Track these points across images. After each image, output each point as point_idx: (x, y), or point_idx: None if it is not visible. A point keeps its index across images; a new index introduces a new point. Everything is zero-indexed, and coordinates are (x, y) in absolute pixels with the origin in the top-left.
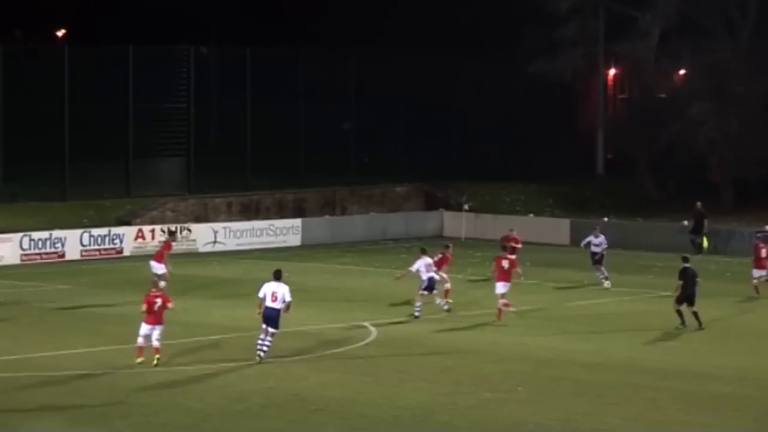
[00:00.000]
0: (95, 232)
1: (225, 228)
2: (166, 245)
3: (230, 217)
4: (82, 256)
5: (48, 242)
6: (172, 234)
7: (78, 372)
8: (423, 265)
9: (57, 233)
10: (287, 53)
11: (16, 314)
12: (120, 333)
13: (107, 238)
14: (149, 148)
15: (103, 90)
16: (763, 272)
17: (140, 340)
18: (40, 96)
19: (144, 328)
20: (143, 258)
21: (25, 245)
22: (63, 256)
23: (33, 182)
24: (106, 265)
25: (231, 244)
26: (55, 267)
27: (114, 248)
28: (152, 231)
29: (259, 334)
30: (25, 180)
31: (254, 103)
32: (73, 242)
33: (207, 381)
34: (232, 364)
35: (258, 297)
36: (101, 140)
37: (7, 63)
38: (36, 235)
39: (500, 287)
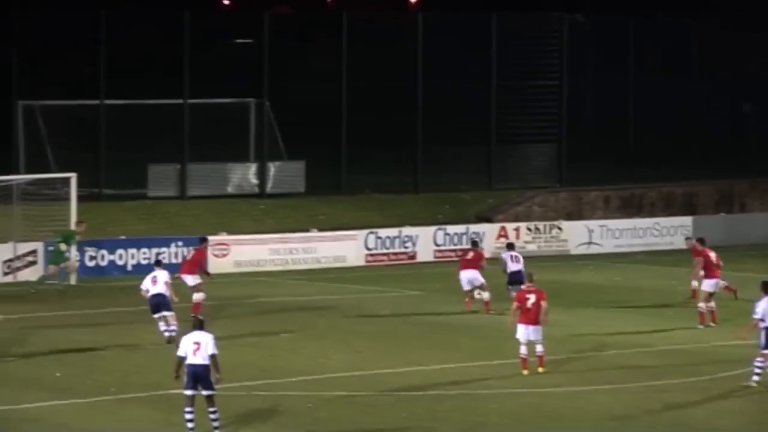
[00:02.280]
0: (451, 229)
1: (601, 226)
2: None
3: (607, 213)
4: (435, 257)
5: (397, 241)
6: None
7: (431, 392)
8: None
9: (407, 231)
10: (673, 24)
11: (359, 324)
12: (477, 347)
13: (464, 237)
14: (514, 132)
15: (461, 65)
16: None
17: (522, 350)
18: (388, 70)
19: (521, 330)
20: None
21: (371, 244)
22: (413, 257)
23: (380, 171)
24: None
25: (608, 246)
26: (405, 269)
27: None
28: (517, 229)
29: None
30: (371, 169)
31: (637, 81)
32: (425, 241)
33: (578, 403)
34: (607, 386)
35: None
36: (458, 123)
37: (353, 31)
38: (383, 232)
39: None
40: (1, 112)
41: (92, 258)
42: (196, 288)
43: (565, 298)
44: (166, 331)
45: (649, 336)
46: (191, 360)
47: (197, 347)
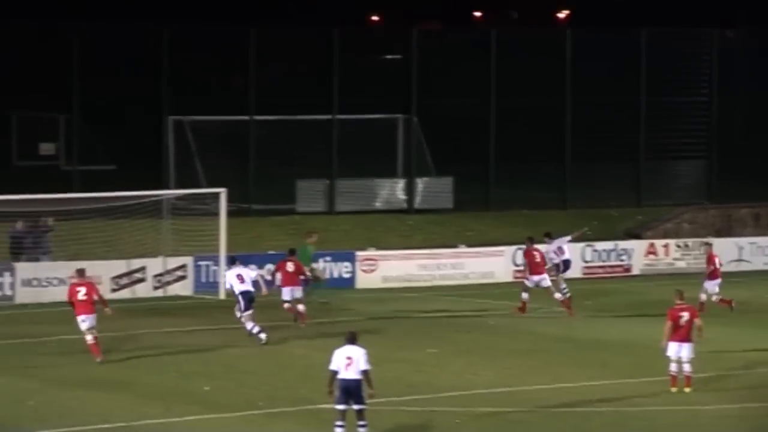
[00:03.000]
0: (599, 246)
1: (751, 243)
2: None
3: (758, 231)
4: (583, 273)
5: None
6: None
7: (579, 409)
8: None
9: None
10: None
11: (507, 340)
12: (625, 364)
13: (613, 254)
14: (663, 149)
15: (610, 80)
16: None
17: (672, 367)
18: (536, 86)
19: (673, 348)
20: (654, 278)
21: (519, 260)
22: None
23: (528, 187)
24: (611, 286)
25: (758, 263)
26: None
27: (621, 265)
28: (665, 246)
29: None
30: (519, 184)
31: None
32: (573, 258)
33: (729, 421)
34: (758, 404)
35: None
36: (607, 139)
37: (501, 47)
38: None
39: None
40: (152, 127)
41: None
42: (299, 300)
43: (714, 316)
44: (261, 332)
45: None
46: (343, 375)
47: (350, 362)
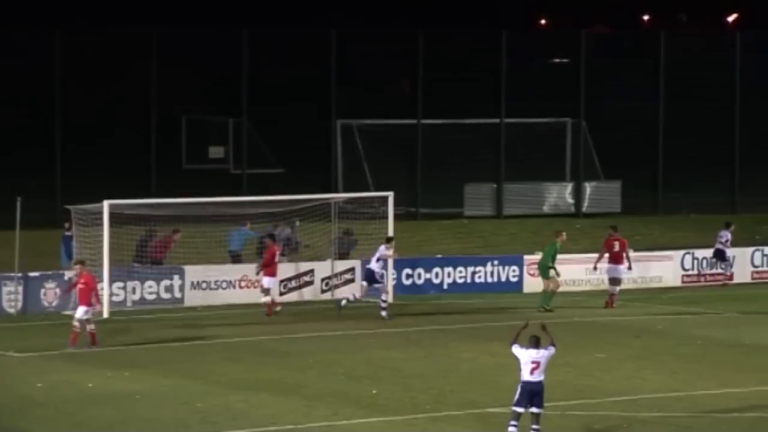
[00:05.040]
0: None
1: None
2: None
3: None
4: (752, 278)
5: (713, 261)
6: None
7: (747, 414)
8: None
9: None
10: None
11: (675, 345)
12: None
13: None
14: None
15: None
16: None
17: None
18: (705, 90)
19: None
20: None
21: (687, 264)
22: (730, 278)
23: (697, 192)
24: None
25: None
26: (721, 291)
27: None
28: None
29: None
30: (688, 189)
31: None
32: (742, 262)
33: None
34: None
35: None
36: None
37: (669, 50)
38: (700, 253)
39: None
40: (321, 131)
41: (409, 276)
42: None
43: None
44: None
45: None
46: (527, 377)
47: (536, 366)
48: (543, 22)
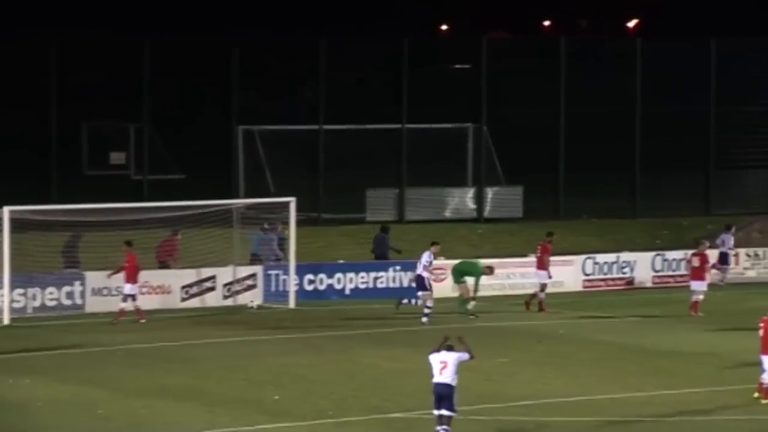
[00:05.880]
0: (669, 255)
1: None
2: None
3: None
4: (653, 283)
5: (614, 266)
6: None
7: (649, 419)
8: None
9: (625, 256)
10: None
11: (577, 350)
12: (694, 373)
13: (683, 263)
14: (733, 158)
15: (680, 89)
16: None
17: (765, 376)
18: (605, 95)
19: (766, 360)
20: (723, 287)
21: (588, 269)
22: (631, 282)
23: (598, 196)
24: (681, 294)
25: None
26: (622, 295)
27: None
28: (735, 255)
29: None
30: (589, 193)
31: None
32: (643, 267)
33: None
34: None
35: None
36: (676, 148)
37: (570, 56)
38: (601, 257)
39: None
40: (222, 136)
41: (311, 282)
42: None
43: None
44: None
45: None
46: (436, 378)
47: (443, 366)
48: (444, 27)
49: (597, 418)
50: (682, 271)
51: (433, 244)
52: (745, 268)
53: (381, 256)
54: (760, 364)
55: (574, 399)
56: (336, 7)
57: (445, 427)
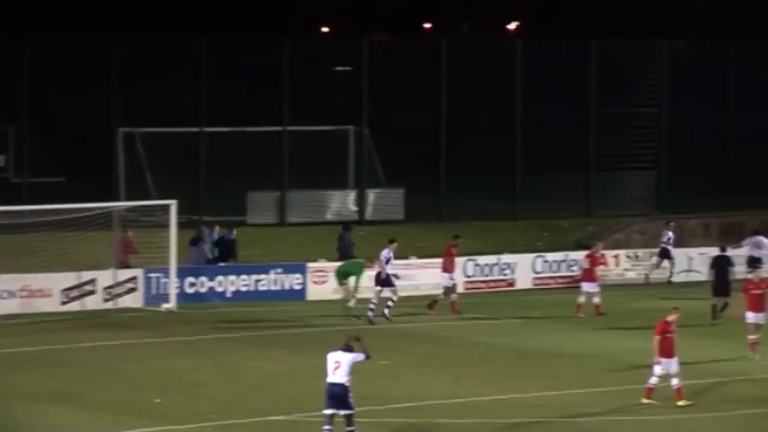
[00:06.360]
0: (550, 257)
1: (701, 254)
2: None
3: (707, 241)
4: (533, 284)
5: (495, 268)
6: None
7: (530, 420)
8: None
9: (506, 258)
10: None
11: (458, 351)
12: (576, 375)
13: (563, 264)
14: (613, 159)
15: (560, 91)
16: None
17: (653, 380)
18: (487, 97)
19: (663, 365)
20: (604, 288)
21: (470, 271)
22: (512, 284)
23: (480, 198)
24: (562, 296)
25: (708, 273)
26: (503, 297)
27: (571, 276)
28: (616, 257)
29: None
30: (471, 196)
31: (738, 107)
32: (524, 268)
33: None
34: (710, 414)
35: None
36: (557, 150)
37: (451, 58)
38: (482, 259)
39: None
40: (102, 139)
41: (192, 285)
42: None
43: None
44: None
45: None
46: (330, 378)
47: (337, 366)
48: (325, 30)
49: (480, 420)
50: (563, 273)
51: (391, 241)
52: (626, 269)
53: (345, 254)
54: (651, 367)
55: (456, 401)
56: (217, 10)
57: (350, 428)
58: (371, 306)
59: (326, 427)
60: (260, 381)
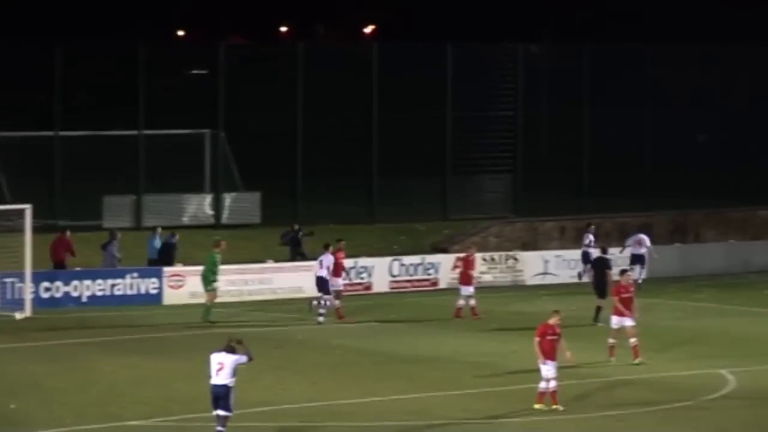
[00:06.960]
0: (407, 260)
1: (557, 257)
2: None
3: (563, 244)
4: (390, 288)
5: (352, 272)
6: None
7: (388, 423)
8: None
9: (363, 261)
10: (632, 52)
11: (316, 355)
12: (433, 378)
13: (420, 268)
14: (469, 163)
15: (417, 95)
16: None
17: (542, 384)
18: (343, 101)
19: (545, 368)
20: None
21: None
22: (369, 287)
23: (336, 202)
24: (419, 299)
25: (564, 276)
26: (360, 300)
27: (428, 279)
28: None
29: None
30: (327, 199)
31: (593, 111)
32: (380, 272)
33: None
34: (568, 416)
35: None
36: (414, 154)
37: (307, 61)
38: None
39: None
40: None
41: (47, 289)
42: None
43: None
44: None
45: (605, 367)
46: (213, 380)
47: (220, 367)
48: (181, 33)
49: (338, 423)
50: (419, 276)
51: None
52: (482, 273)
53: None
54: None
55: (314, 404)
56: (71, 14)
57: (219, 428)
58: (321, 311)
59: (219, 428)
60: (116, 386)
